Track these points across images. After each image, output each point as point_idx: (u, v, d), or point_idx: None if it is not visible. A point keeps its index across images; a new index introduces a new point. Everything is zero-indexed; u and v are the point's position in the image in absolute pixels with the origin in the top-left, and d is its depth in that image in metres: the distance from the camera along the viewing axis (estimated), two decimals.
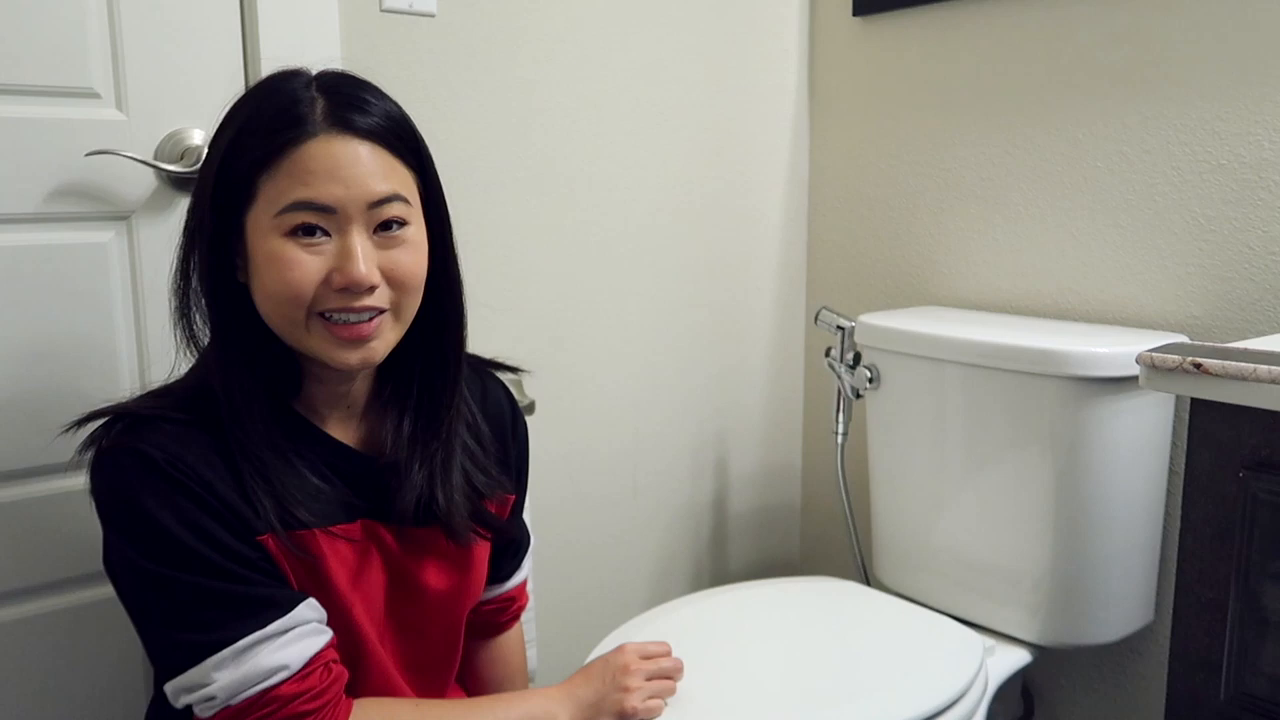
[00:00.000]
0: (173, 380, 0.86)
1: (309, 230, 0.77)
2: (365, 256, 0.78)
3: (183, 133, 1.10)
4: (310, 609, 0.81)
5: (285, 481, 0.81)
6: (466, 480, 0.92)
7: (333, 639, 0.82)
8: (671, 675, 1.03)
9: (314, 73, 0.82)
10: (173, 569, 0.76)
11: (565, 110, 1.42)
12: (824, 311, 1.43)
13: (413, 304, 0.84)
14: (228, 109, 0.82)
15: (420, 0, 1.26)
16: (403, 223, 0.81)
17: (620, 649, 1.02)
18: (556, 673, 1.52)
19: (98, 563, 1.10)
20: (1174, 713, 0.87)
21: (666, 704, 1.00)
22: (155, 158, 1.09)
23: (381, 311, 0.81)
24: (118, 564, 0.79)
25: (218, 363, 0.82)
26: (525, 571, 1.08)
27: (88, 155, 1.05)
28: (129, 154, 1.06)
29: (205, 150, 0.83)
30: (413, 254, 0.82)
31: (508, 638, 1.10)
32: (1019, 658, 1.25)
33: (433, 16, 1.28)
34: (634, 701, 0.97)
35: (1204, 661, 0.85)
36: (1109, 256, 1.33)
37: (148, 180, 1.10)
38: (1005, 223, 1.45)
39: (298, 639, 0.79)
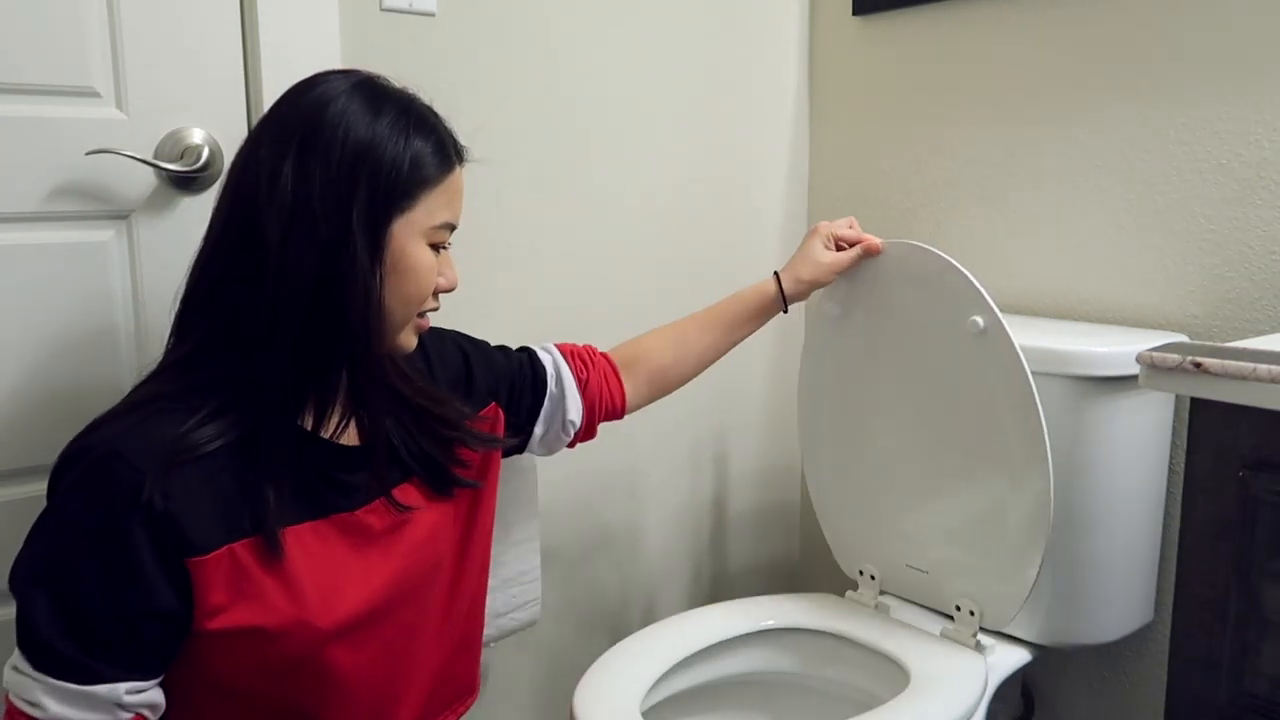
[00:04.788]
0: (155, 378, 0.86)
1: (440, 245, 0.89)
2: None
3: (183, 132, 1.10)
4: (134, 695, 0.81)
5: (263, 486, 0.83)
6: (428, 430, 0.95)
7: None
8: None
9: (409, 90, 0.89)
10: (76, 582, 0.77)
11: (565, 110, 1.42)
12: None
13: None
14: (344, 115, 0.82)
15: (420, 0, 1.26)
16: None
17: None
18: (556, 671, 1.52)
19: None
20: (1174, 713, 0.87)
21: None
22: (155, 157, 1.09)
23: None
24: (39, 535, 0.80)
25: (298, 365, 0.83)
26: (561, 368, 1.12)
27: (88, 154, 1.05)
28: (129, 153, 1.06)
29: (337, 151, 0.82)
30: None
31: (627, 351, 1.19)
32: (1019, 657, 1.25)
33: (433, 16, 1.28)
34: (827, 228, 1.23)
35: (1204, 661, 0.85)
36: (1109, 256, 1.33)
37: (148, 179, 1.10)
38: (1005, 222, 1.45)
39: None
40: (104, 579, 0.77)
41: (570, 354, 1.13)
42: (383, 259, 0.83)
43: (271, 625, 0.83)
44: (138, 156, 1.06)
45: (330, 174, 0.81)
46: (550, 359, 1.12)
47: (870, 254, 1.23)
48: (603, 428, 1.54)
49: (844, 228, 1.25)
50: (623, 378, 1.16)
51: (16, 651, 0.79)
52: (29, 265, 1.04)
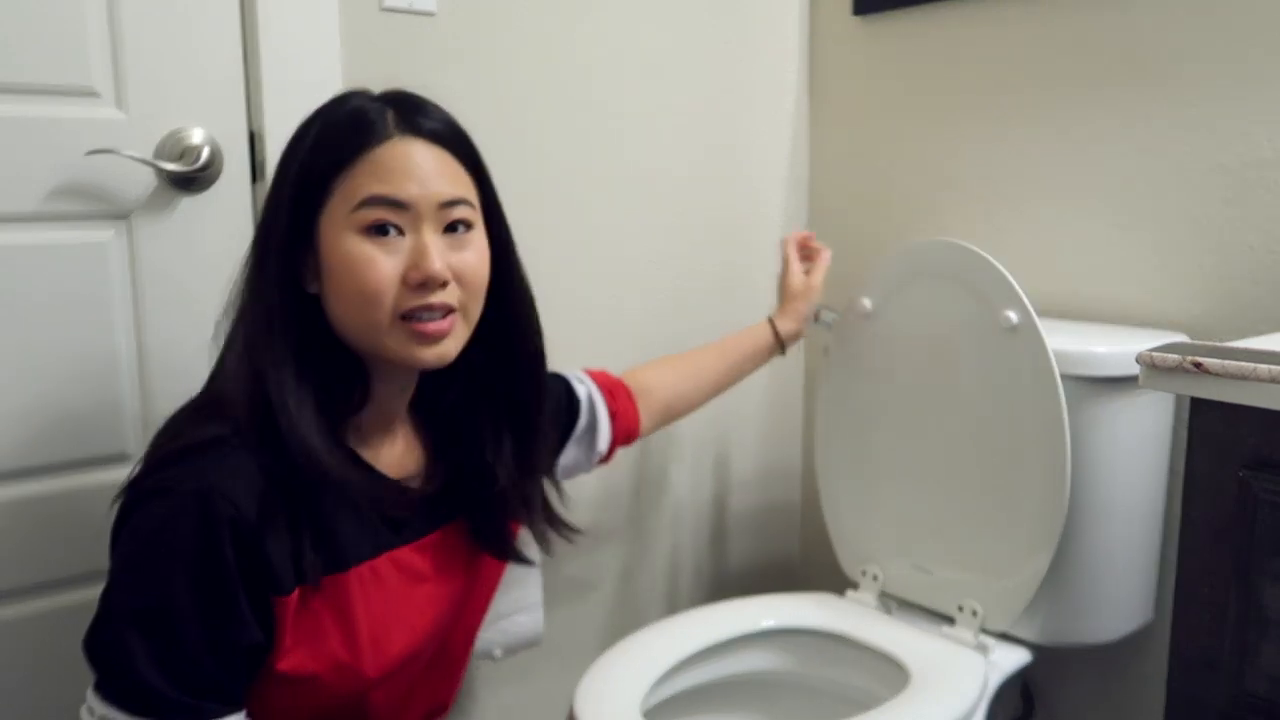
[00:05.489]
0: (209, 394, 0.85)
1: (383, 229, 0.78)
2: (438, 252, 0.79)
3: (183, 132, 1.10)
4: None
5: (334, 523, 0.82)
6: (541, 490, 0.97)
7: None
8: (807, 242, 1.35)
9: (375, 92, 0.85)
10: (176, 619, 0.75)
11: (564, 111, 1.42)
12: (824, 311, 1.43)
13: (477, 307, 0.86)
14: (297, 129, 0.84)
15: (420, 0, 1.26)
16: (469, 225, 0.83)
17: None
18: (556, 671, 1.52)
19: (95, 561, 1.10)
20: (1174, 713, 0.87)
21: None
22: (155, 157, 1.09)
23: (452, 310, 0.82)
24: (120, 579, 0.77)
25: (282, 387, 0.79)
26: (596, 401, 1.13)
27: (88, 154, 1.05)
28: (129, 153, 1.06)
29: (274, 171, 0.84)
30: (478, 256, 0.84)
31: (638, 380, 1.20)
32: (1019, 658, 1.24)
33: (433, 16, 1.28)
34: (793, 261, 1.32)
35: (1204, 661, 0.85)
36: (1109, 256, 1.33)
37: (147, 179, 1.10)
38: (1005, 222, 1.45)
39: None
40: (205, 618, 0.74)
41: (604, 388, 1.15)
42: (319, 265, 0.81)
43: (324, 669, 0.82)
44: (138, 156, 1.06)
45: (271, 202, 0.82)
46: (585, 390, 1.12)
47: (809, 257, 1.36)
48: None
49: (793, 248, 1.35)
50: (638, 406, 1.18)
51: (96, 700, 0.75)
52: (29, 265, 1.04)
